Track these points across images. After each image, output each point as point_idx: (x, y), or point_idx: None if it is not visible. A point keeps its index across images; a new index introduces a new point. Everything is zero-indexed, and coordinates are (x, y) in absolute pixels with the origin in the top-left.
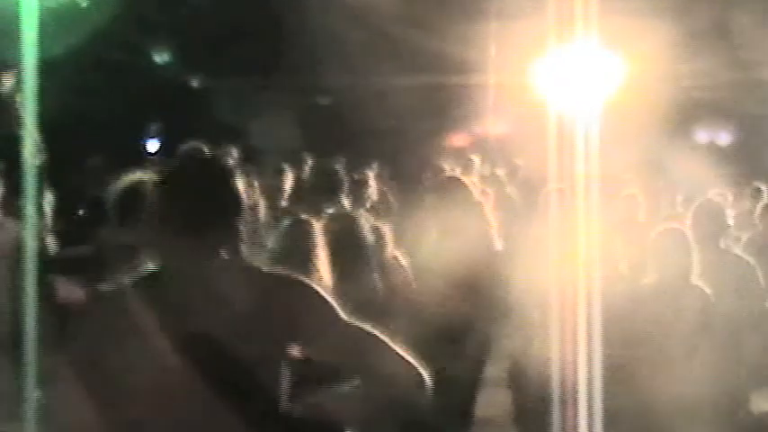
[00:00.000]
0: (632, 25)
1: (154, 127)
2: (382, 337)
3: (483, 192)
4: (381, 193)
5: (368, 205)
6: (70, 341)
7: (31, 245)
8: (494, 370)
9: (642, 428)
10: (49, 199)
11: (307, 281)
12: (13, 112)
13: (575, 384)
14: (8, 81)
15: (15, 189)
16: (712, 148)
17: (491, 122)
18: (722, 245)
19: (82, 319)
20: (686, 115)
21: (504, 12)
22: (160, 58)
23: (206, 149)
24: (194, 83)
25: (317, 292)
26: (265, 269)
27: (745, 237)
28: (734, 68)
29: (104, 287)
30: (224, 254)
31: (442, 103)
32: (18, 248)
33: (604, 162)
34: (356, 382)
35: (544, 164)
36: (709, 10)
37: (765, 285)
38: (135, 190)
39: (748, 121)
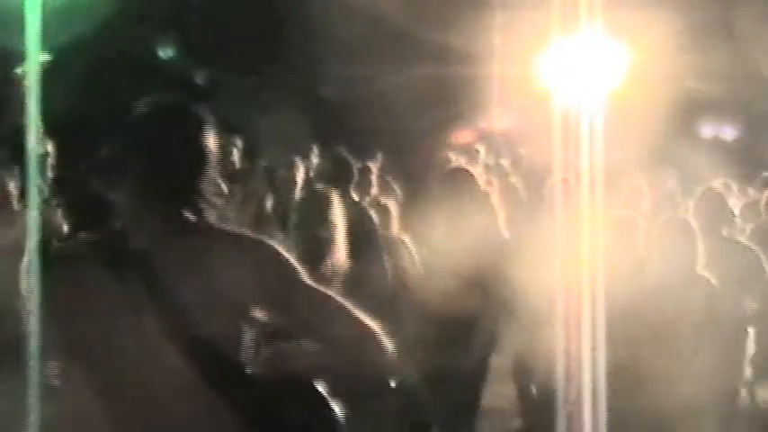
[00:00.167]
0: (637, 17)
1: None
2: (344, 302)
3: (488, 182)
4: (386, 184)
5: (372, 195)
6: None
7: (33, 236)
8: (499, 362)
9: (647, 420)
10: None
11: (270, 242)
12: (18, 103)
13: (579, 376)
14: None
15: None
16: (717, 140)
17: (496, 113)
18: (726, 234)
19: (46, 277)
20: (691, 106)
21: (508, 3)
22: (164, 52)
23: (175, 100)
24: (199, 77)
25: (281, 254)
26: (228, 229)
27: (751, 226)
28: (739, 61)
29: (65, 245)
30: (187, 212)
31: (446, 95)
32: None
33: (609, 153)
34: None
35: (548, 155)
36: (715, 2)
37: None
38: None
39: (754, 114)
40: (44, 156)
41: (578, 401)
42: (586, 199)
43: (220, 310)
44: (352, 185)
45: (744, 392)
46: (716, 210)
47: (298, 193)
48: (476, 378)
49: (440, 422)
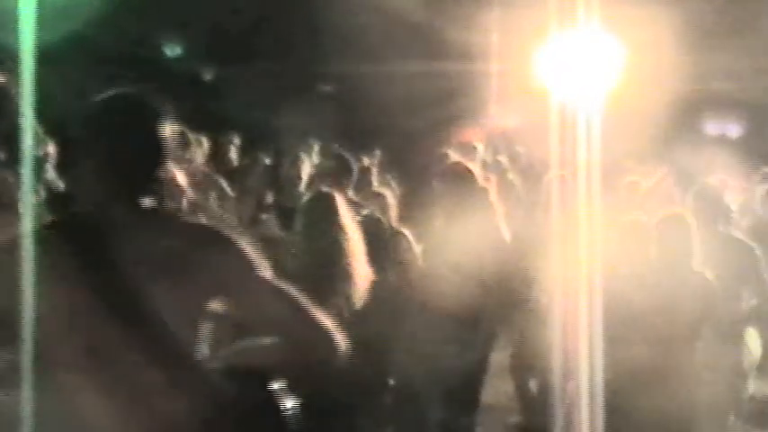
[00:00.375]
0: (634, 13)
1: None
2: (301, 298)
3: (486, 178)
4: (385, 181)
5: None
6: None
7: (28, 235)
8: (498, 357)
9: (645, 417)
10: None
11: (229, 234)
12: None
13: (577, 373)
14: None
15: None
16: (715, 136)
17: (494, 110)
18: (723, 230)
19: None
20: (688, 103)
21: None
22: (162, 47)
23: (134, 91)
24: (198, 72)
25: (239, 247)
26: (188, 220)
27: (747, 222)
28: (738, 57)
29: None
30: (146, 202)
31: (443, 91)
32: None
33: (606, 149)
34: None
35: (546, 151)
36: None
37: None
38: None
39: (752, 110)
40: (42, 154)
41: (576, 398)
42: (583, 195)
43: (178, 301)
44: (351, 184)
45: (742, 389)
46: (712, 206)
47: (302, 192)
48: (475, 374)
49: (439, 418)
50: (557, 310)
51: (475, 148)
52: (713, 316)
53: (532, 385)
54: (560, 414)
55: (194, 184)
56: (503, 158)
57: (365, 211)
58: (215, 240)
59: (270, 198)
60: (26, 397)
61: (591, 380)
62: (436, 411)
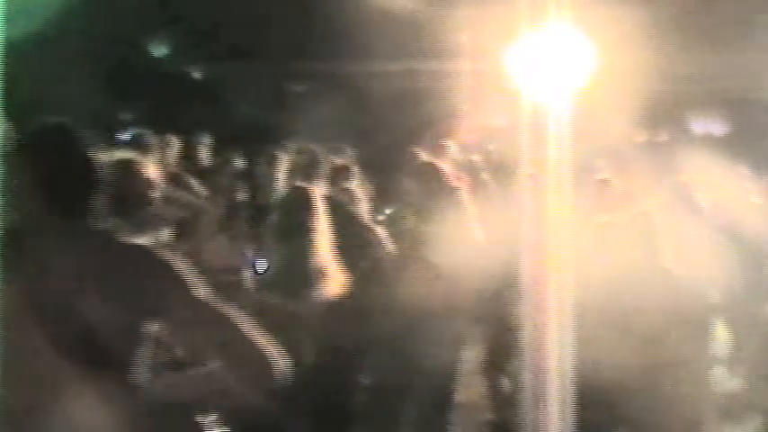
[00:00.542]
0: (606, 12)
1: (128, 116)
2: (236, 318)
3: (458, 177)
4: (357, 178)
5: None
6: None
7: None
8: (469, 355)
9: (615, 413)
10: None
11: (165, 254)
12: None
13: (546, 370)
14: None
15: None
16: (687, 134)
17: (464, 108)
18: (694, 228)
19: None
20: (660, 101)
21: None
22: (136, 42)
23: (63, 122)
24: (168, 68)
25: (174, 268)
26: (124, 240)
27: (718, 219)
28: (710, 56)
29: None
30: (85, 223)
31: (414, 90)
32: None
33: (577, 147)
34: (214, 363)
35: (517, 149)
36: None
37: (738, 268)
38: None
39: (725, 108)
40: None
41: (545, 394)
42: (554, 194)
43: (114, 323)
44: (324, 179)
45: (712, 383)
46: (683, 203)
47: (277, 190)
48: (447, 373)
49: (411, 418)
50: (528, 309)
51: (446, 147)
52: (682, 312)
53: (504, 383)
54: (530, 411)
55: (168, 181)
56: (475, 157)
57: (340, 209)
58: (148, 259)
59: (243, 196)
60: None
61: (562, 378)
62: (409, 410)
